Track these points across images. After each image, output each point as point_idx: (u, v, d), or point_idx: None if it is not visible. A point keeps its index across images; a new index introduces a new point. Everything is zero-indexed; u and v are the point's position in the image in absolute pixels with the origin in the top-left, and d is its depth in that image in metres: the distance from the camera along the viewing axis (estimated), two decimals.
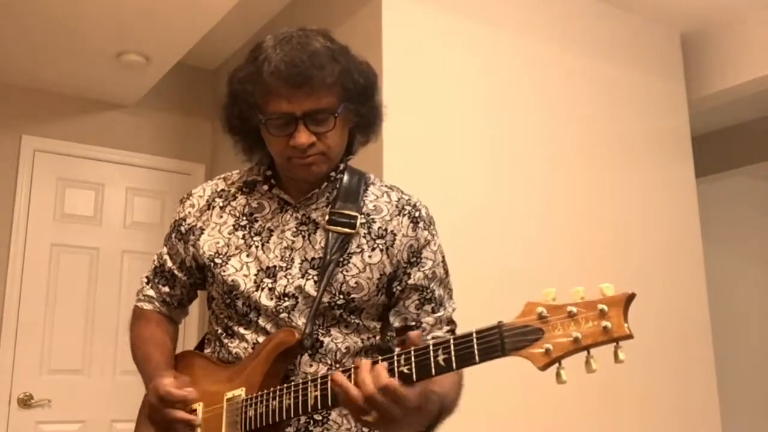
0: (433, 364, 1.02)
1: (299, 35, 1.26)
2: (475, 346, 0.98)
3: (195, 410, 1.28)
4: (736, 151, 4.79)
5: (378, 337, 1.35)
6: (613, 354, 0.91)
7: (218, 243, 1.35)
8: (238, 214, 1.37)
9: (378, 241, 1.31)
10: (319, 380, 1.13)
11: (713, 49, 3.75)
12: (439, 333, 1.33)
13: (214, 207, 1.40)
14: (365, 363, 1.06)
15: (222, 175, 1.47)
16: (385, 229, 1.32)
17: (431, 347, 1.02)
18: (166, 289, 1.46)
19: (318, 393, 1.13)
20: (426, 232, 1.35)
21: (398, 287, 1.32)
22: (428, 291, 1.33)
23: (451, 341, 1.01)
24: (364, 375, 1.04)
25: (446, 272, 1.38)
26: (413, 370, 1.04)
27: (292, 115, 1.22)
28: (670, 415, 3.17)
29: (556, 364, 0.93)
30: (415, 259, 1.33)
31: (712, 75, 3.74)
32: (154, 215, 3.87)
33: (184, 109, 4.05)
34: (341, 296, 1.27)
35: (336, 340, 1.29)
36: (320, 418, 1.26)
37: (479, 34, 3.00)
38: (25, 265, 3.48)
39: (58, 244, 3.58)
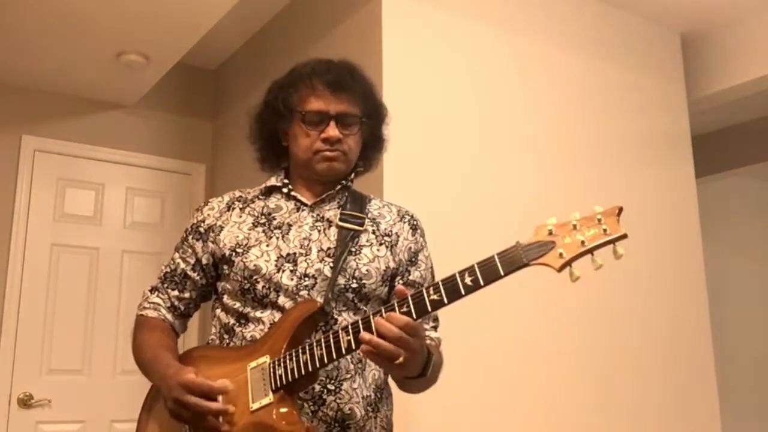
0: (461, 286, 1.15)
1: (340, 61, 1.53)
2: (498, 263, 1.14)
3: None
4: (736, 151, 4.79)
5: None
6: (613, 252, 1.10)
7: (238, 237, 1.46)
8: (257, 214, 1.50)
9: (384, 238, 1.48)
10: (350, 326, 1.23)
11: (713, 49, 3.75)
12: (426, 327, 1.46)
13: (233, 209, 1.53)
14: (378, 318, 1.19)
15: (239, 189, 1.60)
16: (390, 231, 1.50)
17: (457, 273, 1.16)
18: (176, 293, 1.53)
19: (351, 337, 1.21)
20: (422, 239, 1.55)
21: (400, 281, 1.48)
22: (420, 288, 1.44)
23: (475, 265, 1.16)
24: (382, 324, 1.17)
25: (433, 277, 1.56)
26: (443, 294, 1.16)
27: (327, 114, 1.45)
28: (669, 415, 3.17)
29: (568, 267, 1.11)
30: (414, 259, 1.51)
31: (712, 75, 3.74)
32: (154, 215, 3.87)
33: (184, 109, 4.05)
34: (354, 281, 1.40)
35: (347, 321, 1.37)
36: (333, 387, 1.34)
37: (479, 34, 3.00)
38: (25, 265, 3.48)
39: (58, 244, 3.58)
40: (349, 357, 1.36)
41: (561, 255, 1.11)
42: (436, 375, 1.38)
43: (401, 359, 1.17)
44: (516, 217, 2.93)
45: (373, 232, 1.47)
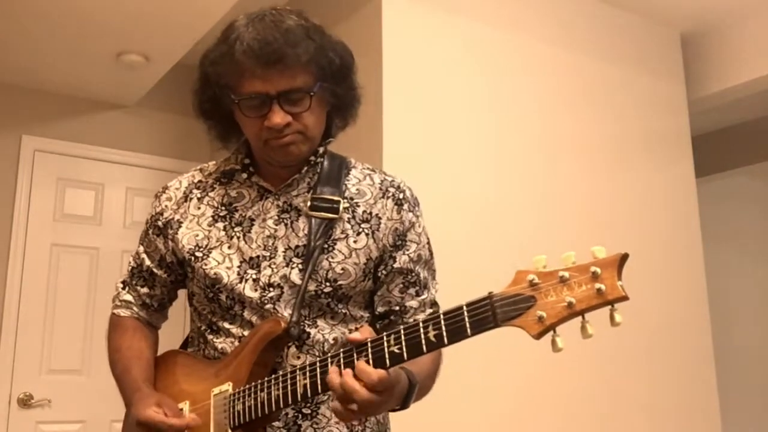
0: (424, 341, 1.00)
1: (272, 14, 1.23)
2: (467, 319, 0.96)
3: (182, 409, 1.25)
4: (736, 151, 4.79)
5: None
6: (609, 317, 0.88)
7: (198, 236, 1.30)
8: (216, 205, 1.32)
9: (363, 225, 1.27)
10: (307, 368, 1.11)
11: (713, 49, 3.75)
12: (422, 316, 1.30)
13: (191, 198, 1.35)
14: (345, 373, 1.04)
15: (198, 166, 1.43)
16: (370, 213, 1.29)
17: (421, 324, 1.00)
18: (146, 290, 1.39)
19: (307, 381, 1.10)
20: (410, 214, 1.31)
21: (383, 271, 1.29)
22: (413, 274, 1.31)
23: (441, 316, 0.99)
24: (352, 384, 1.02)
25: (431, 254, 1.36)
26: (404, 349, 1.01)
27: (266, 95, 1.19)
28: (670, 415, 3.17)
29: (551, 332, 0.91)
30: (400, 242, 1.30)
31: (712, 75, 3.74)
32: None
33: (184, 109, 4.02)
34: (327, 284, 1.24)
35: (323, 331, 1.25)
36: (309, 411, 1.24)
37: (479, 34, 3.00)
38: (25, 265, 3.48)
39: (58, 244, 3.59)
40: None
41: (541, 319, 0.90)
42: (428, 388, 1.25)
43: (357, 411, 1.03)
44: (514, 217, 2.93)
45: (349, 220, 1.27)
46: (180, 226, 1.33)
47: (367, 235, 1.27)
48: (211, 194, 1.34)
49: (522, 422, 2.77)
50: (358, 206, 1.29)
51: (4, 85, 3.57)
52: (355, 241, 1.26)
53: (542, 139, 3.09)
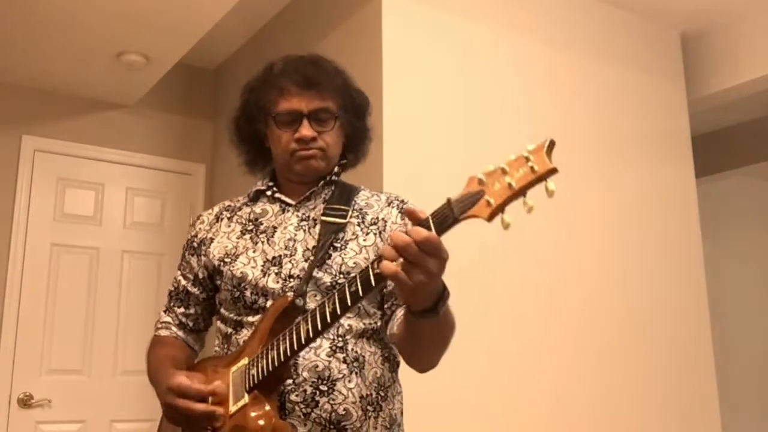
0: None
1: (309, 55, 1.50)
2: (432, 225, 1.07)
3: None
4: (736, 151, 4.79)
5: (379, 324, 1.41)
6: (545, 188, 1.01)
7: (227, 246, 1.46)
8: (244, 222, 1.50)
9: (371, 227, 1.44)
10: (309, 315, 1.20)
11: (713, 49, 3.75)
12: None
13: (222, 219, 1.53)
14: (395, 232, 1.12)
15: (228, 200, 1.60)
16: (377, 218, 1.46)
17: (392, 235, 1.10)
18: (182, 309, 1.54)
19: (309, 326, 1.19)
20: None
21: None
22: None
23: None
24: (404, 238, 1.06)
25: None
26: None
27: (299, 113, 1.42)
28: (669, 415, 3.17)
29: (500, 214, 1.04)
30: None
31: (712, 75, 3.74)
32: (154, 215, 3.87)
33: (184, 109, 4.05)
34: (341, 276, 1.36)
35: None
36: (326, 388, 1.31)
37: (479, 34, 3.00)
38: (25, 265, 3.48)
39: (58, 244, 3.59)
40: (342, 356, 1.33)
41: (488, 203, 1.04)
42: (448, 328, 1.26)
43: (422, 277, 1.07)
44: (513, 217, 2.93)
45: (359, 224, 1.43)
46: (212, 242, 1.50)
47: (375, 234, 1.43)
48: (239, 213, 1.53)
49: (521, 423, 2.77)
50: (367, 215, 1.46)
51: (4, 85, 3.57)
52: (364, 240, 1.41)
53: (541, 139, 3.08)
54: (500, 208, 1.04)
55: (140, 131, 3.89)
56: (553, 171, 1.04)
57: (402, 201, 1.49)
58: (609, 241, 3.17)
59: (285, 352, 1.22)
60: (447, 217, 1.07)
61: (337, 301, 1.15)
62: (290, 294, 1.33)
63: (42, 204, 3.58)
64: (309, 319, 1.20)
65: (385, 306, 1.41)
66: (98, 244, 3.68)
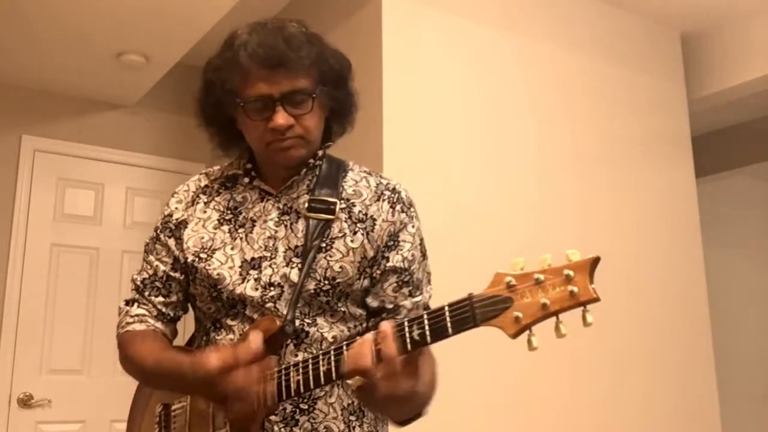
0: (408, 340, 1.02)
1: (274, 22, 1.30)
2: (448, 319, 0.99)
3: (183, 405, 1.27)
4: (736, 151, 4.79)
5: (364, 325, 1.33)
6: (582, 318, 0.92)
7: (203, 238, 1.33)
8: (222, 209, 1.35)
9: (359, 225, 1.30)
10: (300, 365, 1.13)
11: (713, 49, 3.75)
12: (402, 297, 1.32)
13: (198, 202, 1.38)
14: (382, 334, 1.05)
15: (204, 171, 1.46)
16: (365, 213, 1.31)
17: (406, 323, 1.03)
18: (161, 298, 1.38)
19: (300, 377, 1.12)
20: (403, 215, 1.34)
21: (377, 271, 1.30)
22: (406, 273, 1.32)
23: (425, 316, 1.02)
24: (389, 343, 1.02)
25: (423, 255, 1.37)
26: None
27: (270, 98, 1.23)
28: (670, 415, 3.17)
29: (527, 332, 0.95)
30: (392, 242, 1.31)
31: (712, 75, 3.74)
32: (154, 215, 3.85)
33: (184, 109, 4.03)
34: (326, 282, 1.26)
35: (322, 329, 1.27)
36: (306, 407, 1.24)
37: (479, 34, 3.00)
38: (25, 265, 3.48)
39: (58, 244, 3.59)
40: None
41: (517, 319, 0.94)
42: (428, 397, 1.20)
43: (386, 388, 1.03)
44: (513, 217, 2.93)
45: (346, 220, 1.30)
46: (186, 227, 1.36)
47: (362, 234, 1.30)
48: (217, 198, 1.37)
49: (515, 422, 2.77)
50: (354, 206, 1.32)
51: (4, 85, 3.57)
52: (351, 240, 1.29)
53: (540, 139, 3.09)
54: (528, 327, 0.95)
55: (140, 131, 3.89)
56: (594, 300, 0.93)
57: (393, 190, 1.35)
58: (609, 241, 3.17)
59: (272, 396, 1.13)
60: (466, 320, 0.98)
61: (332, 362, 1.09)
62: (278, 320, 1.21)
63: (42, 204, 3.58)
64: (300, 370, 1.12)
65: (368, 300, 1.32)
66: (98, 244, 3.69)
